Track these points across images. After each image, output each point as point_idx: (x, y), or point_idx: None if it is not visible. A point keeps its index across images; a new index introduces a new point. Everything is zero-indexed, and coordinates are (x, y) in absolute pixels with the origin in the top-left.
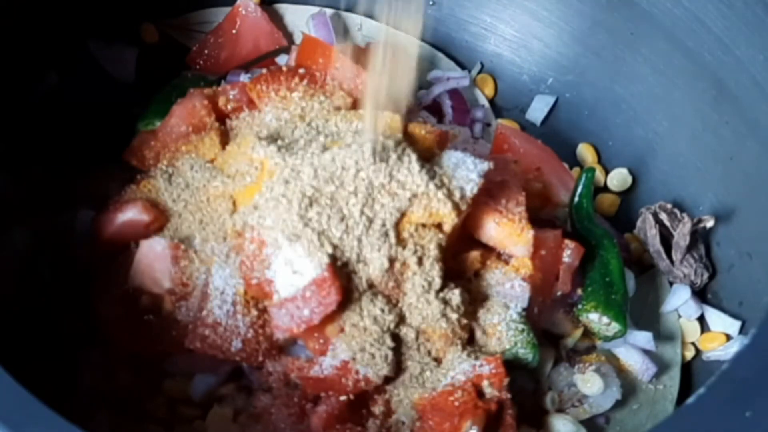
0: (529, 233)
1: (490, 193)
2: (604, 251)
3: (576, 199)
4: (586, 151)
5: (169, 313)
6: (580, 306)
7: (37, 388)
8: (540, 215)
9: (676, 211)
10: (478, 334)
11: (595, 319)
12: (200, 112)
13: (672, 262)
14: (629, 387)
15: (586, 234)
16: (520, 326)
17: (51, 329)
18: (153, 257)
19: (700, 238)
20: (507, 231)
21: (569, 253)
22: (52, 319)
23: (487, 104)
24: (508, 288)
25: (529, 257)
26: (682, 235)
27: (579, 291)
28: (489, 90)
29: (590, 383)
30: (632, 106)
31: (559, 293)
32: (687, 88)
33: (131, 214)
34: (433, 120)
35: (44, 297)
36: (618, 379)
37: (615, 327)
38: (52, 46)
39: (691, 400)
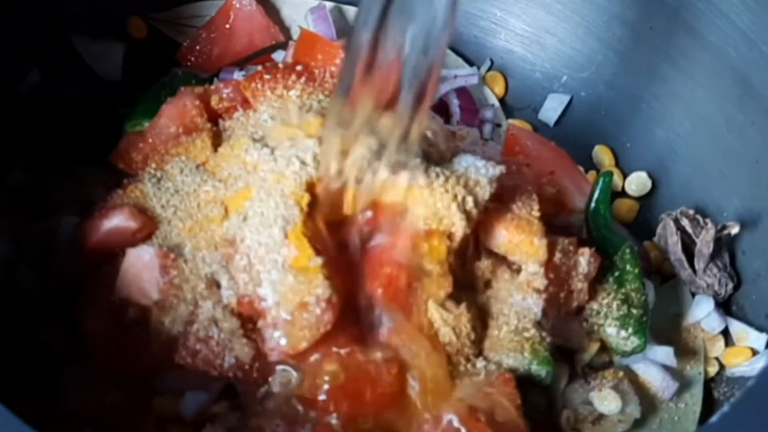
0: (543, 242)
1: (501, 199)
2: (623, 260)
3: (592, 205)
4: (602, 154)
5: (157, 326)
6: (597, 319)
7: (19, 406)
8: (554, 222)
9: (699, 217)
10: (488, 349)
11: (613, 333)
12: (191, 112)
13: (694, 271)
14: (649, 405)
15: (603, 242)
16: (533, 341)
17: (33, 343)
18: (140, 266)
19: (724, 246)
20: (519, 240)
21: (585, 261)
22: (34, 332)
23: (497, 103)
24: (520, 300)
25: (542, 267)
26: (705, 242)
27: (595, 303)
28: (499, 88)
29: (607, 401)
30: (651, 106)
31: (575, 305)
32: (710, 86)
33: (117, 221)
34: (440, 120)
35: (25, 309)
36: (636, 396)
37: (634, 342)
38: (33, 42)
39: (714, 419)
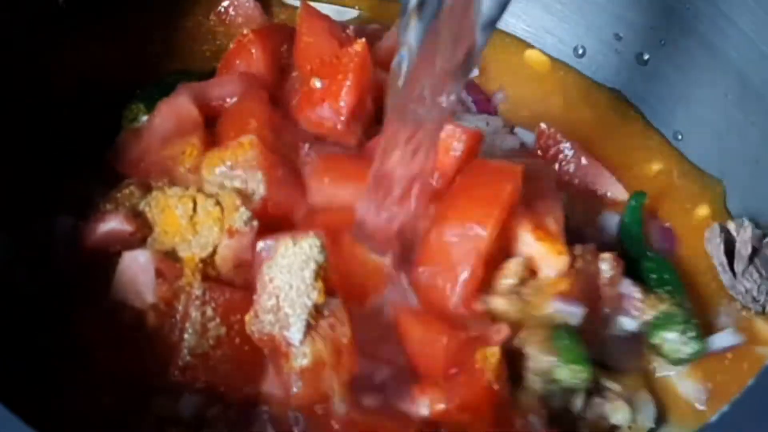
0: (565, 259)
1: (528, 204)
2: (668, 275)
3: (625, 225)
4: None
5: (152, 330)
6: (655, 327)
7: (19, 406)
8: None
9: (745, 218)
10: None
11: (674, 338)
12: (187, 110)
13: (734, 274)
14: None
15: (638, 258)
16: (564, 348)
17: (33, 343)
18: (136, 270)
19: None
20: (544, 250)
21: (608, 266)
22: (33, 332)
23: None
24: (557, 305)
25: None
26: (743, 242)
27: (653, 312)
28: None
29: (617, 412)
30: (652, 106)
31: (607, 312)
32: (710, 86)
33: (113, 224)
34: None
35: (24, 309)
36: (654, 407)
37: (695, 345)
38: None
39: (714, 419)
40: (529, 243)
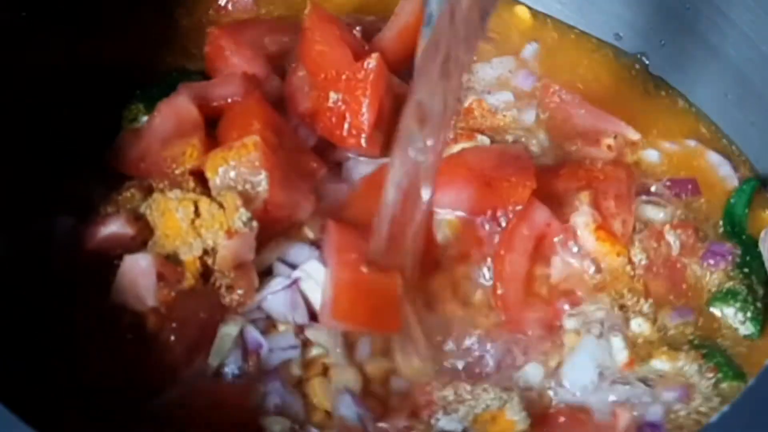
0: (624, 260)
1: (599, 204)
2: (750, 258)
3: (730, 205)
4: None
5: (152, 333)
6: (713, 298)
7: (17, 407)
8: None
9: None
10: None
11: (730, 314)
12: (187, 111)
13: None
14: None
15: (734, 237)
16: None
17: (30, 344)
18: (137, 273)
19: None
20: (604, 249)
21: (674, 237)
22: (30, 333)
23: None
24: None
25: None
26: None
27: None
28: None
29: None
30: None
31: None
32: (710, 86)
33: (114, 227)
34: None
35: (21, 310)
36: None
37: (749, 327)
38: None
39: (714, 419)
40: (589, 240)
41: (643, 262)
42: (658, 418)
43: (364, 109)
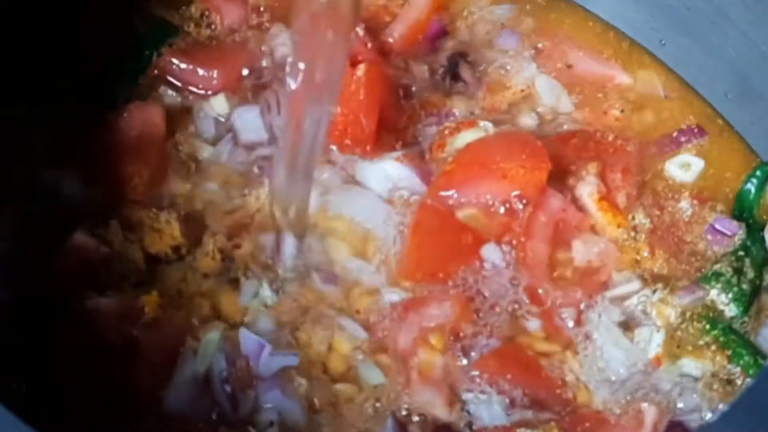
0: (623, 232)
1: (605, 176)
2: (750, 242)
3: (744, 191)
4: None
5: (153, 336)
6: (702, 276)
7: (17, 407)
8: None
9: None
10: None
11: (715, 295)
12: (154, 122)
13: None
14: None
15: (742, 220)
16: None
17: (30, 344)
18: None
19: None
20: (605, 219)
21: (688, 204)
22: (30, 333)
23: None
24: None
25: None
26: None
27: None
28: None
29: None
30: None
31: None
32: (710, 86)
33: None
34: None
35: (21, 310)
36: None
37: (733, 309)
38: None
39: (714, 419)
40: (592, 208)
41: (647, 227)
42: (685, 416)
43: (363, 120)
